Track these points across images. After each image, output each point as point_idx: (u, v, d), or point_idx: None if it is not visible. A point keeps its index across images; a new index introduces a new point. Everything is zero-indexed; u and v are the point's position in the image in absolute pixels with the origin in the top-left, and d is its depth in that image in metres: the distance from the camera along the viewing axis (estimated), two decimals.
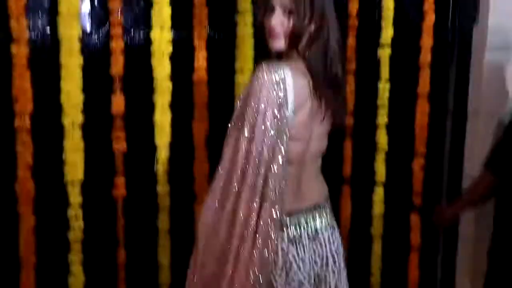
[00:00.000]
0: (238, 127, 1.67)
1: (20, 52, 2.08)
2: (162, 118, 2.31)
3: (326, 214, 1.93)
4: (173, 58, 2.29)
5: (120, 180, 2.31)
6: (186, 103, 2.36)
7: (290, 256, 1.81)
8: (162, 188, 2.37)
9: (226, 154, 1.70)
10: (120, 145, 2.28)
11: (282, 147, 1.68)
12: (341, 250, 1.98)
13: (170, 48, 2.28)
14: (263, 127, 1.65)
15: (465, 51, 2.80)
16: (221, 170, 1.69)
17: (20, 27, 2.07)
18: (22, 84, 2.09)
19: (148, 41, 2.26)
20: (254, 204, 1.65)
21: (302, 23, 1.73)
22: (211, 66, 2.37)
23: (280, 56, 1.79)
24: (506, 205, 2.65)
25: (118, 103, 2.25)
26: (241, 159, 1.65)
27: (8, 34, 2.06)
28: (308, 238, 1.87)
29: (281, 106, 1.67)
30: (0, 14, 2.06)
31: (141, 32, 2.28)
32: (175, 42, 2.28)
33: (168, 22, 2.26)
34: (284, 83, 1.67)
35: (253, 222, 1.66)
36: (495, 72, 2.78)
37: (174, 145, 2.36)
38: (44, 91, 2.16)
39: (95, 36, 2.23)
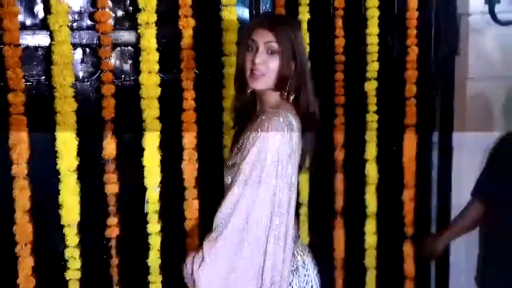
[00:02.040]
0: (254, 179, 1.72)
1: (16, 100, 2.16)
2: (152, 159, 2.39)
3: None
4: (161, 100, 2.37)
5: (113, 221, 2.38)
6: (176, 143, 2.44)
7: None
8: (153, 227, 2.44)
9: (242, 209, 1.72)
10: (112, 187, 2.35)
11: (295, 191, 1.78)
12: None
13: (158, 91, 2.36)
14: (283, 176, 1.72)
15: (448, 82, 2.89)
16: (236, 220, 1.72)
17: (17, 77, 2.15)
18: (19, 131, 2.17)
19: (137, 85, 2.34)
20: (278, 251, 1.74)
21: (287, 64, 1.79)
22: (199, 106, 2.45)
23: (254, 95, 1.87)
24: (493, 233, 2.70)
25: (110, 146, 2.33)
26: (264, 210, 1.72)
27: (5, 84, 2.15)
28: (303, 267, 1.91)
29: (294, 151, 1.76)
30: None
31: (131, 77, 2.38)
32: (163, 84, 2.37)
33: (156, 66, 2.34)
34: (292, 128, 1.75)
35: (279, 268, 1.74)
36: (479, 101, 2.86)
37: (164, 186, 2.43)
38: (40, 137, 2.24)
39: (87, 83, 2.32)
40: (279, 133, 1.71)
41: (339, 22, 2.78)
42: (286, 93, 1.83)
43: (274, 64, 1.79)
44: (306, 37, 2.71)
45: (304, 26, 2.84)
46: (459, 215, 2.86)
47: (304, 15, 2.78)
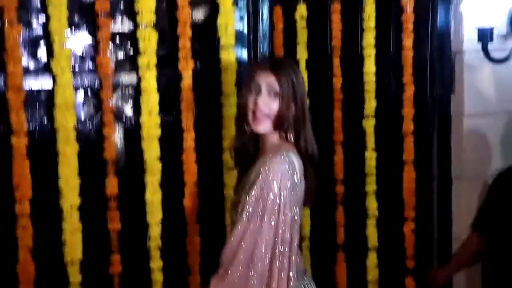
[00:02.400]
0: (257, 216, 1.78)
1: (19, 142, 2.22)
2: (153, 197, 2.44)
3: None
4: (162, 140, 2.43)
5: (116, 258, 2.42)
6: (176, 181, 2.49)
7: None
8: (155, 264, 2.48)
9: (246, 245, 1.78)
10: (114, 224, 2.41)
11: (298, 226, 1.85)
12: None
13: (159, 131, 2.42)
14: (285, 213, 1.78)
15: (444, 118, 2.93)
16: (237, 266, 1.78)
17: (19, 119, 2.22)
18: (22, 172, 2.24)
19: (138, 126, 2.41)
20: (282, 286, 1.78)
21: (288, 106, 1.86)
22: (199, 146, 2.51)
23: (256, 135, 1.92)
24: (493, 266, 2.72)
25: (111, 185, 2.39)
26: (267, 246, 1.78)
27: (8, 126, 2.22)
28: None
29: (295, 189, 1.83)
30: (1, 108, 2.23)
31: (132, 118, 2.45)
32: (163, 125, 2.43)
33: (156, 108, 2.41)
34: (294, 168, 1.82)
35: None
36: (475, 138, 2.90)
37: (165, 222, 2.48)
38: (42, 177, 2.30)
39: (89, 124, 2.40)
40: (281, 171, 1.79)
41: (336, 61, 2.86)
42: (286, 133, 1.89)
43: (275, 105, 1.85)
44: (304, 75, 2.77)
45: (303, 65, 2.93)
46: (459, 248, 2.91)
47: (303, 54, 2.88)
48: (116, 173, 2.39)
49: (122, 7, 2.41)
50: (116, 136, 2.42)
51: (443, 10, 2.88)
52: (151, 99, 2.40)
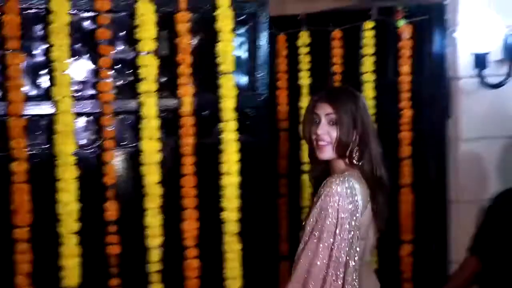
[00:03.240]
0: (316, 237, 1.90)
1: (19, 169, 2.25)
2: (153, 221, 2.46)
3: None
4: (162, 165, 2.46)
5: (115, 282, 2.43)
6: (176, 205, 2.51)
7: None
8: (155, 287, 2.49)
9: (304, 262, 1.90)
10: (114, 249, 2.42)
11: (358, 248, 1.91)
12: None
13: (159, 157, 2.45)
14: (341, 235, 1.88)
15: (441, 142, 2.96)
16: (295, 280, 1.90)
17: (20, 146, 2.25)
18: (21, 198, 2.26)
19: (138, 151, 2.44)
20: None
21: (347, 133, 1.95)
22: (199, 171, 2.53)
23: (327, 163, 2.02)
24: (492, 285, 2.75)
25: (111, 209, 2.41)
26: (322, 265, 1.88)
27: (9, 153, 2.24)
28: None
29: (354, 212, 1.90)
30: (2, 135, 2.26)
31: (132, 143, 2.47)
32: (164, 150, 2.46)
33: (156, 133, 2.44)
34: (353, 191, 1.90)
35: None
36: (472, 162, 2.93)
37: (165, 246, 2.49)
38: (42, 203, 2.31)
39: (89, 150, 2.42)
40: (339, 194, 1.88)
41: None
42: (350, 159, 1.98)
43: (335, 133, 1.96)
44: (306, 101, 2.88)
45: (305, 90, 3.11)
46: (456, 271, 2.93)
47: (305, 80, 3.05)
48: (116, 198, 2.42)
49: (123, 35, 2.44)
50: (116, 161, 2.43)
51: (439, 37, 2.92)
52: (151, 124, 2.43)
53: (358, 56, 3.06)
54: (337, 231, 1.87)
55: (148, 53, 2.40)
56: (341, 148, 1.95)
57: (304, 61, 3.27)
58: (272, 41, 3.45)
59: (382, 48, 3.05)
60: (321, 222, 1.89)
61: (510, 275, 2.64)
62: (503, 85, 2.85)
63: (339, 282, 1.87)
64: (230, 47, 2.52)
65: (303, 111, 3.19)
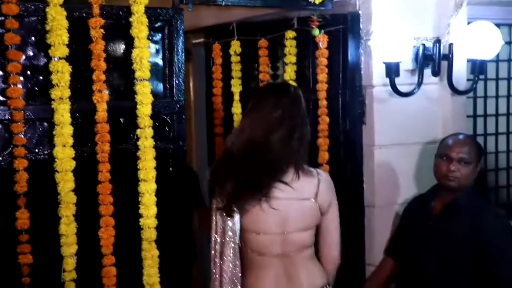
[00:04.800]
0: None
1: None
2: (68, 229, 2.42)
3: None
4: (76, 172, 2.43)
5: None
6: (92, 213, 2.48)
7: None
8: None
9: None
10: (25, 258, 2.37)
11: None
12: None
13: (73, 164, 2.42)
14: None
15: (357, 149, 3.04)
16: None
17: None
18: None
19: (51, 159, 2.40)
20: None
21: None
22: (115, 178, 2.51)
23: None
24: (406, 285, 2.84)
25: (22, 218, 2.36)
26: None
27: None
28: None
29: None
30: None
31: (44, 151, 2.43)
32: (78, 157, 2.43)
33: (70, 140, 2.41)
34: None
35: None
36: (385, 167, 3.01)
37: (81, 255, 2.46)
38: None
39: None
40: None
41: None
42: None
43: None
44: (238, 108, 3.24)
45: (237, 98, 3.27)
46: (373, 272, 3.04)
47: (237, 87, 3.23)
48: (29, 206, 2.37)
49: (33, 40, 2.40)
50: (28, 169, 2.39)
51: (353, 46, 2.99)
52: (64, 131, 2.40)
53: (281, 65, 3.14)
54: None
55: (60, 58, 2.37)
56: None
57: (235, 69, 3.32)
58: (207, 49, 3.52)
59: (303, 56, 3.13)
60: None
61: (422, 275, 2.74)
62: (414, 93, 2.96)
63: None
64: (146, 53, 2.51)
65: (236, 117, 3.31)
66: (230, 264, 2.30)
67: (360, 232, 3.07)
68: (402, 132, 3.01)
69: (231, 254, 2.29)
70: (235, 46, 3.30)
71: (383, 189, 3.03)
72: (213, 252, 2.35)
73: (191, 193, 3.66)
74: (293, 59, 3.13)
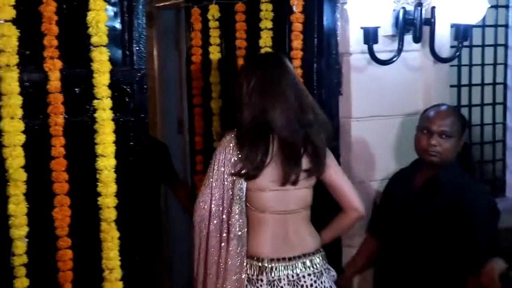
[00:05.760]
0: None
1: None
2: (17, 208, 2.24)
3: (311, 262, 2.39)
4: (26, 147, 2.23)
5: None
6: (45, 192, 2.30)
7: None
8: (21, 283, 2.27)
9: None
10: None
11: None
12: None
13: (23, 138, 2.22)
14: None
15: (332, 122, 2.85)
16: None
17: None
18: None
19: None
20: None
21: None
22: (71, 153, 2.32)
23: None
24: (385, 268, 2.77)
25: None
26: None
27: None
28: (288, 283, 2.34)
29: None
30: None
31: None
32: (28, 131, 2.23)
33: (19, 112, 2.21)
34: None
35: None
36: (363, 141, 2.86)
37: (32, 237, 2.28)
38: None
39: None
40: None
41: (240, 61, 2.97)
42: None
43: None
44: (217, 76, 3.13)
45: (215, 65, 3.15)
46: (357, 251, 2.92)
47: (215, 55, 3.17)
48: None
49: None
50: None
51: (329, 10, 2.81)
52: (12, 102, 2.19)
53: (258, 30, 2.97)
54: None
55: (6, 21, 2.15)
56: None
57: (213, 35, 3.14)
58: (187, 14, 3.34)
59: (280, 22, 2.96)
60: None
61: (402, 251, 2.62)
62: (394, 61, 2.78)
63: None
64: (102, 16, 2.28)
65: (214, 87, 3.15)
66: (237, 223, 2.36)
67: (336, 210, 2.91)
68: (381, 103, 2.85)
69: (238, 213, 2.37)
70: (213, 10, 3.11)
71: (361, 165, 2.89)
72: (204, 221, 2.40)
73: (162, 168, 3.52)
74: (269, 24, 2.96)
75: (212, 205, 2.38)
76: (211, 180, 2.38)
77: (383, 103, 2.86)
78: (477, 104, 3.64)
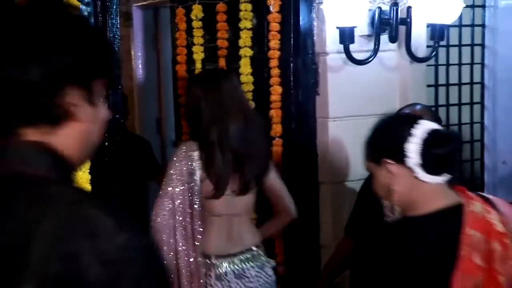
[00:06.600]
0: None
1: None
2: None
3: (253, 256, 2.58)
4: None
5: None
6: None
7: None
8: None
9: None
10: None
11: None
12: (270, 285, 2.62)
13: None
14: None
15: (309, 122, 2.87)
16: None
17: None
18: None
19: None
20: None
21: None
22: None
23: None
24: (360, 271, 2.70)
25: None
26: None
27: None
28: (235, 277, 2.51)
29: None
30: None
31: None
32: None
33: None
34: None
35: None
36: (340, 142, 2.85)
37: None
38: None
39: None
40: None
41: (222, 61, 2.96)
42: None
43: None
44: None
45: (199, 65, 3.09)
46: (333, 252, 2.86)
47: (199, 55, 3.10)
48: None
49: None
50: None
51: (305, 10, 2.80)
52: None
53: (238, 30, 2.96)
54: None
55: None
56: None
57: (197, 35, 3.12)
58: (172, 14, 3.32)
59: (260, 22, 2.96)
60: None
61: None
62: (370, 61, 2.77)
63: None
64: None
65: None
66: (196, 225, 2.51)
67: (314, 210, 2.92)
68: (358, 103, 2.84)
69: (197, 216, 2.50)
70: (196, 10, 3.10)
71: (338, 165, 2.87)
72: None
73: (146, 164, 3.55)
74: (249, 24, 2.94)
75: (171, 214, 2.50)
76: (169, 189, 2.48)
77: (360, 103, 2.85)
78: (454, 103, 3.63)
